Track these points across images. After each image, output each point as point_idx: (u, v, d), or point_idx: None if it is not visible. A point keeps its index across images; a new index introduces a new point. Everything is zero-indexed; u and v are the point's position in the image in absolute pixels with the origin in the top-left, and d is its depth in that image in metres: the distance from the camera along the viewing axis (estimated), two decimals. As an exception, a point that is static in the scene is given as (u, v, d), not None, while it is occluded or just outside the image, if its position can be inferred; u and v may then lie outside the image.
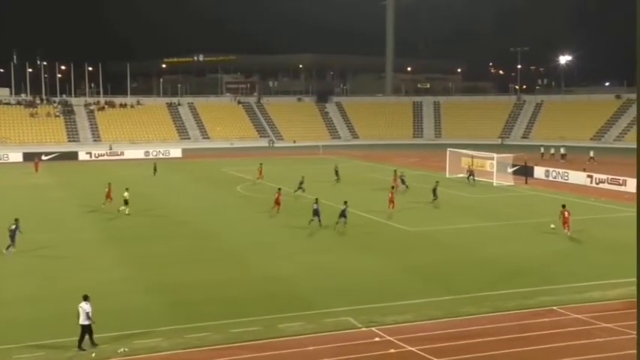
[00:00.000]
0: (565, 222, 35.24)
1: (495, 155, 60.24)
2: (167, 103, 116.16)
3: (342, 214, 36.83)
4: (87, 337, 19.06)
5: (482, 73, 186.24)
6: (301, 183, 50.14)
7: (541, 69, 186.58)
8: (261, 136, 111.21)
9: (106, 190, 45.09)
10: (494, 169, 58.37)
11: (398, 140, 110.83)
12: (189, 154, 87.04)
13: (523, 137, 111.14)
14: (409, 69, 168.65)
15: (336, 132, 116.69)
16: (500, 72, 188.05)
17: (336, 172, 57.35)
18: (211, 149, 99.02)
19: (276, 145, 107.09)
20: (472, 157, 62.31)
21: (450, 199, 48.42)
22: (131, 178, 62.27)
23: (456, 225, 38.85)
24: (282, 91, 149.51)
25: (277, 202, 42.15)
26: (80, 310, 19.06)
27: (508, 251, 31.83)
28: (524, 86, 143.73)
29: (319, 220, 37.25)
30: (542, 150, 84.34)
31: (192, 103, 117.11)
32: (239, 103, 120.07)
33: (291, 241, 34.48)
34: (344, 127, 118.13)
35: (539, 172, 61.95)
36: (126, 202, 42.39)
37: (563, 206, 36.56)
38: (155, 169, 65.22)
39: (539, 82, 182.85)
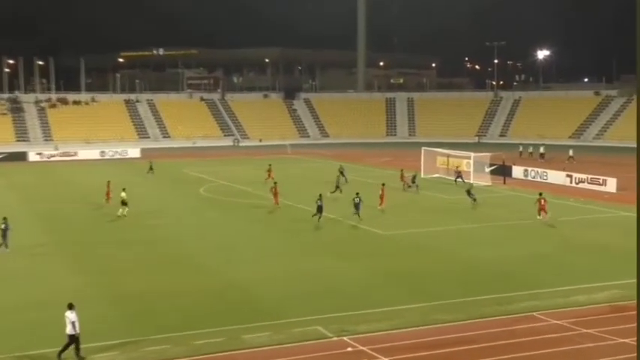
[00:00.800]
0: (542, 209, 39.07)
1: (472, 154, 60.63)
2: (124, 100, 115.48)
3: (319, 210, 39.55)
4: (73, 348, 18.73)
5: (458, 68, 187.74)
6: (338, 185, 50.88)
7: (518, 64, 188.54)
8: (225, 135, 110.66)
9: (106, 189, 46.46)
10: (471, 169, 58.74)
11: (370, 139, 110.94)
12: (149, 154, 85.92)
13: (501, 135, 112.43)
14: (382, 64, 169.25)
15: (305, 130, 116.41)
16: (477, 67, 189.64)
17: (342, 174, 56.02)
18: (172, 149, 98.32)
19: (241, 144, 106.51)
20: (448, 155, 62.57)
21: (425, 200, 48.58)
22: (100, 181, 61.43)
23: (431, 227, 38.96)
24: (248, 87, 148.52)
25: (275, 196, 45.81)
26: (66, 319, 18.88)
27: (486, 254, 31.94)
28: (502, 82, 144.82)
29: (319, 218, 39.50)
30: (520, 148, 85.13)
31: (151, 100, 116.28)
32: (201, 99, 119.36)
33: (257, 245, 34.22)
34: (313, 124, 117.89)
35: (517, 171, 62.49)
36: (124, 203, 42.35)
37: (540, 194, 40.83)
38: (151, 168, 65.61)
39: (517, 77, 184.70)
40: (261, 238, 36.09)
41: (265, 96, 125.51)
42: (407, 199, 49.02)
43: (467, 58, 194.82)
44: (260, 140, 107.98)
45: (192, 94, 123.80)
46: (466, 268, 29.30)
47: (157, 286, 26.38)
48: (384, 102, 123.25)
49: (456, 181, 57.17)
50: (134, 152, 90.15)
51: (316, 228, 38.44)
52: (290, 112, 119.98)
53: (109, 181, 48.03)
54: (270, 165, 60.41)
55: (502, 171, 60.91)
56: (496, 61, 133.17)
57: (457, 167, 59.42)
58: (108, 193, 46.28)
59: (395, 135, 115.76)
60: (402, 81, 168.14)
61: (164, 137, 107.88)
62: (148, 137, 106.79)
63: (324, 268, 29.52)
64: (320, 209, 39.55)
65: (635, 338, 9.06)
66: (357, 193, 41.14)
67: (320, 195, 40.44)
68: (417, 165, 64.02)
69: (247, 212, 44.11)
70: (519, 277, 27.69)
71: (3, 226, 32.13)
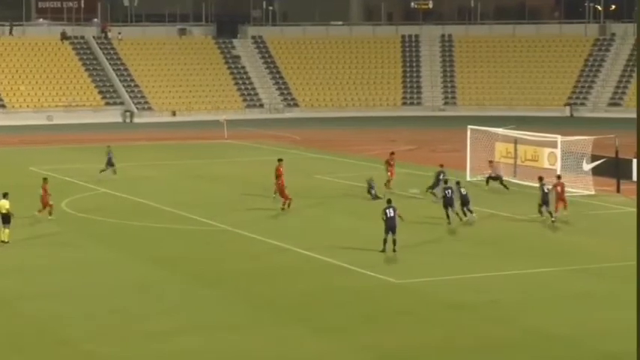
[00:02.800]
0: (559, 198, 32.18)
1: (559, 138, 40.00)
2: None
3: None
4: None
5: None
6: (371, 188, 36.37)
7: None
8: (108, 103, 71.66)
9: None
10: (558, 164, 40.29)
11: (374, 111, 73.63)
12: None
13: (611, 104, 73.87)
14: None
15: (255, 95, 74.97)
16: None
17: (370, 188, 38.81)
18: (9, 128, 63.51)
19: (137, 119, 69.65)
20: (515, 141, 43.16)
21: (468, 224, 32.90)
22: None
23: (478, 273, 25.35)
24: (150, 14, 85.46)
25: (282, 193, 33.19)
26: None
27: (575, 322, 20.76)
28: (613, 6, 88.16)
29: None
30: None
31: None
32: (64, 37, 74.59)
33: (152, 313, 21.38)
34: (269, 85, 75.98)
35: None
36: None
37: (559, 177, 33.57)
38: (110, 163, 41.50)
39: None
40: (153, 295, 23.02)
41: (182, 32, 78.44)
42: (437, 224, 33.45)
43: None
44: (173, 113, 71.26)
45: (47, 28, 79.09)
46: (534, 345, 18.81)
47: None
48: (399, 43, 79.87)
49: (488, 182, 40.60)
50: None
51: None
52: (227, 62, 76.66)
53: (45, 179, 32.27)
54: (279, 160, 37.26)
55: (614, 169, 39.47)
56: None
57: (492, 161, 41.56)
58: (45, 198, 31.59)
59: (419, 104, 76.47)
60: (430, 4, 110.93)
61: None
62: None
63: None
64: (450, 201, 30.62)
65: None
66: (458, 182, 31.94)
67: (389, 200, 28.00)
68: (459, 157, 43.01)
69: (156, 246, 28.52)
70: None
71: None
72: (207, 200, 35.56)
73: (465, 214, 30.94)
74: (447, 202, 30.51)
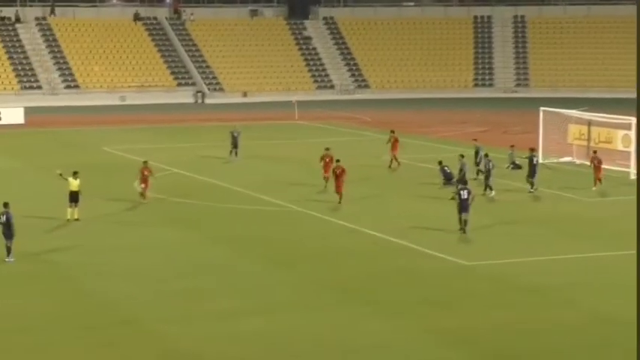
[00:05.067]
0: (597, 173, 33.18)
1: (634, 120, 39.15)
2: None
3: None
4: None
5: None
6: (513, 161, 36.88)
7: None
8: (180, 84, 71.68)
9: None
10: (633, 147, 38.03)
11: (444, 92, 72.68)
12: (40, 120, 54.78)
13: None
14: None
15: (326, 76, 74.72)
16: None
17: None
18: (83, 109, 63.00)
19: (209, 100, 69.77)
20: (589, 123, 41.79)
21: (543, 208, 31.56)
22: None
23: (551, 255, 24.67)
24: None
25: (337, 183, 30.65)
26: None
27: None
28: None
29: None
30: None
31: (43, 20, 73.42)
32: (137, 19, 75.00)
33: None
34: (340, 66, 75.98)
35: None
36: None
37: (595, 152, 34.51)
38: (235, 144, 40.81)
39: None
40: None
41: (254, 13, 78.61)
42: (511, 204, 32.10)
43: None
44: (244, 94, 72.02)
45: (121, 9, 78.99)
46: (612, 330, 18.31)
47: None
48: (471, 24, 79.34)
49: (510, 166, 36.76)
50: (14, 115, 55.36)
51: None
52: (298, 43, 76.56)
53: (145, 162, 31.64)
54: (327, 149, 35.31)
55: None
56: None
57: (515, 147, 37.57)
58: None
59: (490, 85, 76.05)
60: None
61: (68, 87, 69.50)
62: (39, 87, 68.79)
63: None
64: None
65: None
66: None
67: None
68: (530, 138, 40.99)
69: (226, 226, 28.41)
70: None
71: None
72: (277, 181, 35.22)
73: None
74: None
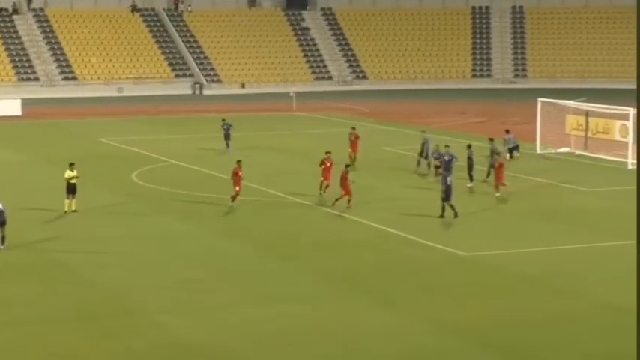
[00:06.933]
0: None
1: (632, 110, 37.61)
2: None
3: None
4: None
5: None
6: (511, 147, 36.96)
7: None
8: (177, 75, 72.31)
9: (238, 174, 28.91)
10: (630, 137, 37.23)
11: (444, 83, 73.01)
12: (37, 112, 54.53)
13: None
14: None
15: (324, 67, 75.36)
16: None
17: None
18: (80, 100, 62.76)
19: (206, 91, 70.29)
20: (587, 113, 41.45)
21: (539, 197, 31.56)
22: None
23: (549, 245, 24.60)
24: None
25: (344, 187, 28.13)
26: None
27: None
28: None
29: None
30: None
31: (41, 11, 73.30)
32: (134, 10, 75.49)
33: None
34: (338, 57, 76.38)
35: None
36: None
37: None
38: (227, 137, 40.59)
39: None
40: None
41: (252, 4, 78.82)
42: (510, 195, 31.54)
43: None
44: (242, 85, 72.05)
45: (118, 1, 77.57)
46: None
47: None
48: (469, 14, 79.69)
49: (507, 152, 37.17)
50: (11, 107, 54.91)
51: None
52: (297, 34, 76.99)
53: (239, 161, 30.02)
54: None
55: None
56: None
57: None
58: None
59: (489, 76, 76.14)
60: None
61: (65, 79, 69.57)
62: (36, 79, 68.77)
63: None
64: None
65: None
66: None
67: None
68: (529, 129, 42.00)
69: (225, 218, 28.19)
70: None
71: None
72: (275, 172, 35.22)
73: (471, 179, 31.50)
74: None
